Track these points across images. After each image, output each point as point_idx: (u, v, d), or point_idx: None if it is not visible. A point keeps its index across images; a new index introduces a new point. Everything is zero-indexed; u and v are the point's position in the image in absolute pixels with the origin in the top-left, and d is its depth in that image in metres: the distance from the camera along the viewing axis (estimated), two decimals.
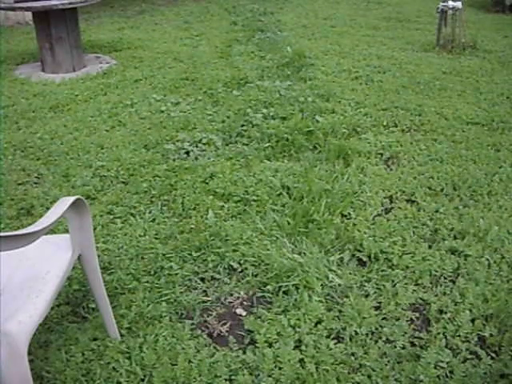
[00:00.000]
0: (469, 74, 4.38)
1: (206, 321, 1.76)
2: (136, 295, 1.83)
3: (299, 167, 2.70)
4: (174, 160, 2.83)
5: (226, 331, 1.72)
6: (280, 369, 1.54)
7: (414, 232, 2.19)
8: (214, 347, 1.64)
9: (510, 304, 1.77)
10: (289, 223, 2.21)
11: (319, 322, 1.72)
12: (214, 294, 1.88)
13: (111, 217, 2.31)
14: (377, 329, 1.69)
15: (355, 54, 5.04)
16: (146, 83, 4.19)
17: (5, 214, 2.32)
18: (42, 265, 1.35)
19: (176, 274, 1.94)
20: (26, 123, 3.36)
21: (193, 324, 1.73)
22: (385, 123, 3.31)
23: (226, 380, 1.51)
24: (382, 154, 2.90)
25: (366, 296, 1.84)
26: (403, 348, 1.63)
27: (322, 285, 1.87)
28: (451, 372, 1.54)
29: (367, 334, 1.67)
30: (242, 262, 2.00)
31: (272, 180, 2.54)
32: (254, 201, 2.39)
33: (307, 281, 1.87)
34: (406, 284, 1.89)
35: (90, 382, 1.51)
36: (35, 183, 2.60)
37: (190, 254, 2.05)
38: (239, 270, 1.99)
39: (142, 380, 1.52)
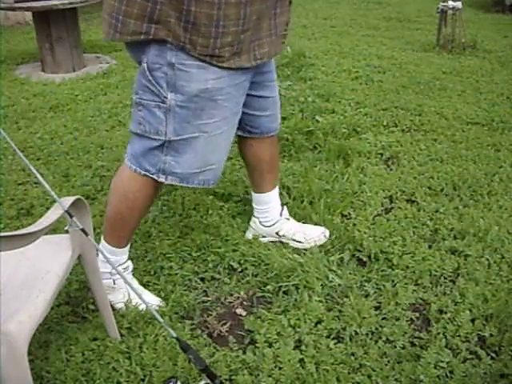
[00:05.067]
0: (469, 74, 4.37)
1: (206, 321, 1.76)
2: None
3: (299, 167, 2.70)
4: None
5: (226, 331, 1.72)
6: (280, 369, 1.54)
7: (414, 232, 2.19)
8: (214, 347, 1.64)
9: (510, 304, 1.77)
10: None
11: (319, 321, 1.72)
12: (214, 293, 1.88)
13: None
14: (377, 329, 1.69)
15: (355, 54, 5.04)
16: None
17: (5, 214, 2.32)
18: (42, 265, 1.35)
19: (176, 274, 1.94)
20: (25, 123, 3.36)
21: (193, 324, 1.73)
22: (385, 123, 3.31)
23: (226, 380, 1.51)
24: (382, 154, 2.90)
25: (366, 296, 1.84)
26: (403, 348, 1.63)
27: (322, 285, 1.87)
28: (451, 372, 1.54)
29: (367, 334, 1.67)
30: (241, 261, 2.00)
31: None
32: None
33: (307, 281, 1.87)
34: (406, 284, 1.89)
35: (90, 382, 1.52)
36: (35, 183, 2.59)
37: (190, 254, 2.05)
38: (239, 270, 1.99)
39: (142, 380, 1.52)
